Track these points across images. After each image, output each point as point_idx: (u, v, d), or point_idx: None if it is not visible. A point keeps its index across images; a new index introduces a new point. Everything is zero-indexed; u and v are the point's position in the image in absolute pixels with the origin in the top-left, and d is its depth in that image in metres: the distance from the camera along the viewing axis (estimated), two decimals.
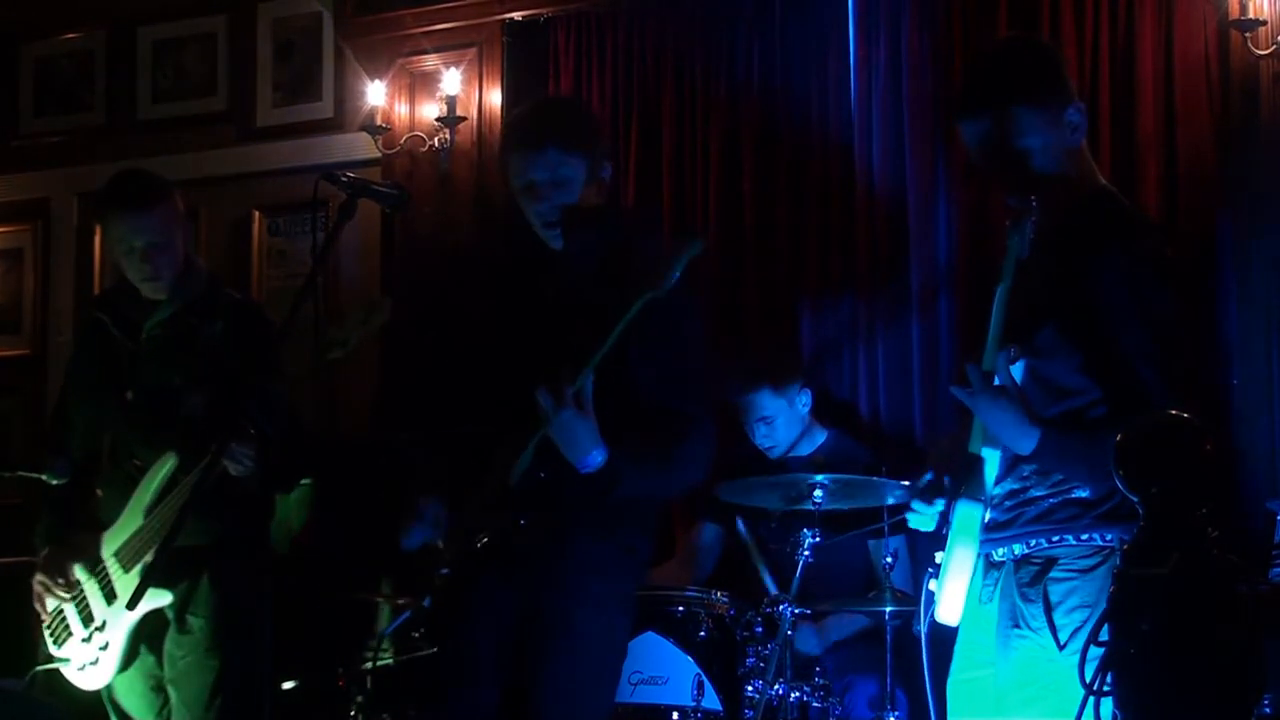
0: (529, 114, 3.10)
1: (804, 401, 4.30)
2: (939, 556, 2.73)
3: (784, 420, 4.26)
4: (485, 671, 2.89)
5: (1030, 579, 2.67)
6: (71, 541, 3.61)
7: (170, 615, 3.53)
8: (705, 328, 3.09)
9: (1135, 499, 2.23)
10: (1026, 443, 2.58)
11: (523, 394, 2.78)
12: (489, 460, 2.89)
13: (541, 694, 2.82)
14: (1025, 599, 2.66)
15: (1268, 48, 4.03)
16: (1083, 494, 2.65)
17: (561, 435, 2.72)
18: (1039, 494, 2.69)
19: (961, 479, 2.67)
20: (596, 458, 2.74)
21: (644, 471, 2.82)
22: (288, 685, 4.25)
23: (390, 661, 4.18)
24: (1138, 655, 2.15)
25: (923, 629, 2.75)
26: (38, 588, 3.60)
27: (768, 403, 4.23)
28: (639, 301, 2.70)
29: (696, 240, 2.82)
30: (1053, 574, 2.64)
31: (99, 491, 3.67)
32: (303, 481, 4.84)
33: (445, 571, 2.90)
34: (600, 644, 2.89)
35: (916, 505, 2.79)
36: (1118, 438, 2.27)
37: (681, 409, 2.87)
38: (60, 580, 3.56)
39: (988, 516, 2.69)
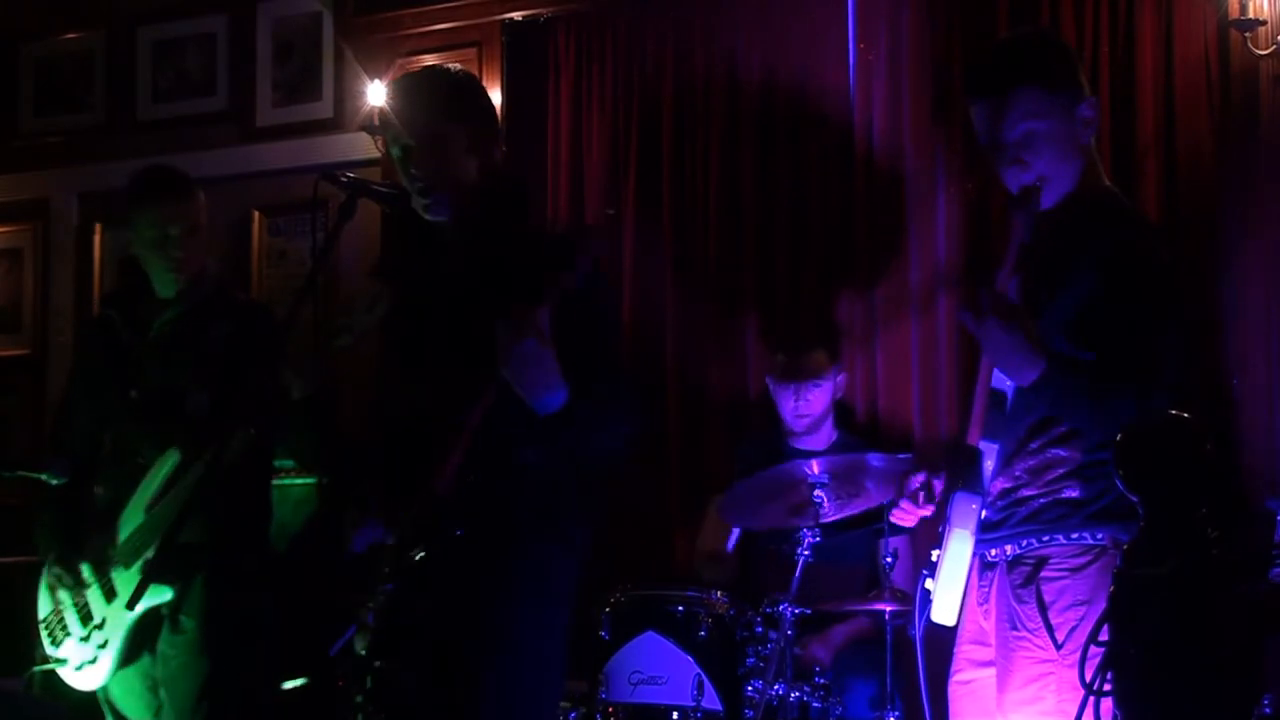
0: (406, 80, 2.97)
1: (840, 384, 4.32)
2: (935, 555, 2.73)
3: (824, 393, 4.26)
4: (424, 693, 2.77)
5: (1023, 580, 2.67)
6: (79, 540, 3.61)
7: (164, 614, 3.54)
8: (615, 305, 2.96)
9: (1135, 499, 2.24)
10: (1030, 371, 2.53)
11: (428, 390, 2.72)
12: (409, 469, 2.74)
13: (479, 708, 2.69)
14: (1019, 600, 2.66)
15: (1268, 48, 4.02)
16: (1072, 494, 2.65)
17: (523, 370, 2.51)
18: (1029, 493, 2.69)
19: (959, 471, 2.67)
20: (558, 397, 2.53)
21: (597, 416, 2.64)
22: (288, 685, 4.25)
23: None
24: (1138, 655, 2.15)
25: (917, 631, 2.75)
26: (52, 581, 3.61)
27: (819, 368, 4.24)
28: (549, 295, 2.56)
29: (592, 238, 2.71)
30: (1044, 574, 2.64)
31: (99, 489, 3.68)
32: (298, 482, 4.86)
33: (389, 587, 2.72)
34: (539, 656, 2.76)
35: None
36: (1118, 437, 2.27)
37: (604, 375, 2.70)
38: (71, 579, 3.57)
39: (984, 514, 2.69)
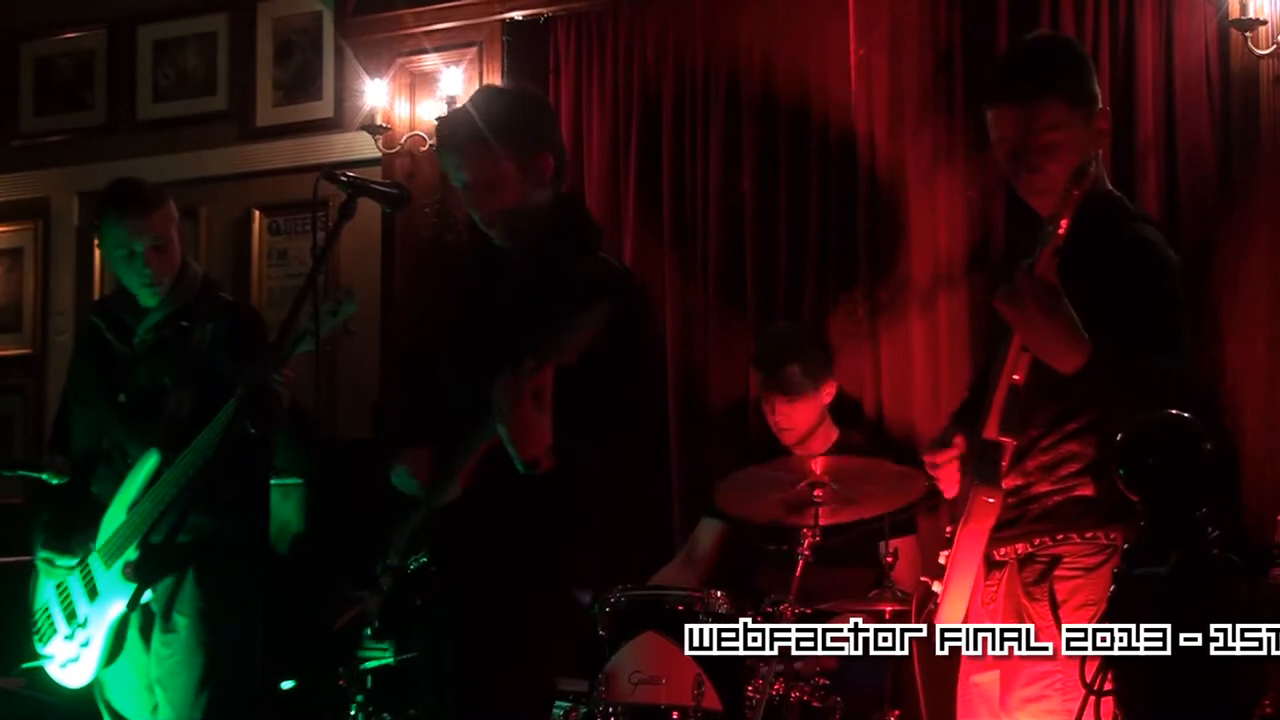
0: (453, 113, 3.10)
1: (829, 391, 4.28)
2: (942, 557, 2.73)
3: (807, 407, 4.21)
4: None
5: (1035, 578, 2.67)
6: (69, 535, 3.63)
7: (156, 611, 3.55)
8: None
9: (1135, 499, 2.24)
10: (1073, 357, 2.47)
11: (473, 401, 2.76)
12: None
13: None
14: (1031, 598, 2.66)
15: (1268, 48, 4.02)
16: (1087, 491, 2.65)
17: (513, 433, 2.64)
18: (1043, 490, 2.68)
19: (977, 465, 2.65)
20: (537, 465, 2.68)
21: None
22: (287, 685, 4.25)
23: (390, 662, 4.18)
24: (1138, 655, 2.15)
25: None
26: (44, 571, 3.63)
27: (795, 382, 4.18)
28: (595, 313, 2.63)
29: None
30: (1058, 572, 2.64)
31: (94, 491, 3.69)
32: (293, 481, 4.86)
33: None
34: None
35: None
36: (1117, 437, 2.27)
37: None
38: (58, 570, 3.58)
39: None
